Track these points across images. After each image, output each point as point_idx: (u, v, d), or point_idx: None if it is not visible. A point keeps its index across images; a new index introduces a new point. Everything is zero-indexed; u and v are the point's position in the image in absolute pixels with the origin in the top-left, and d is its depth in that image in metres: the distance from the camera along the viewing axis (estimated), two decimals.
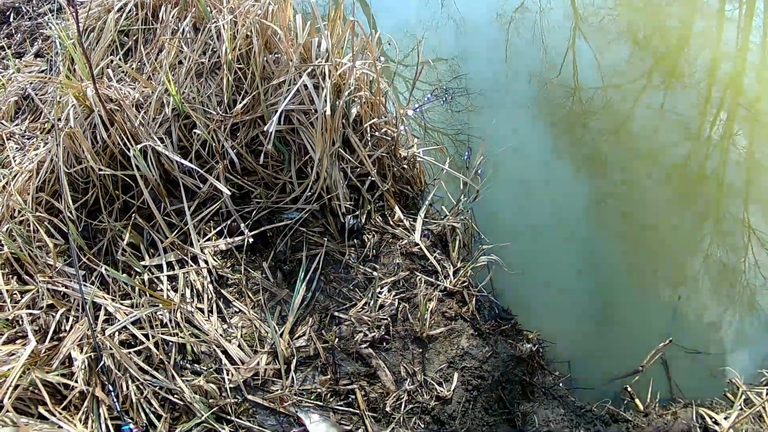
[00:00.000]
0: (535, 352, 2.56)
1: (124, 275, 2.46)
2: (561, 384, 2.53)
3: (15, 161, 2.97)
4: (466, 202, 2.66)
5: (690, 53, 3.78)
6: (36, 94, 3.05)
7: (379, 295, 2.45)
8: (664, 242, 2.99)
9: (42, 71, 3.18)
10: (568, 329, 2.73)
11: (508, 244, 2.59)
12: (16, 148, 3.04)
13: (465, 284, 2.57)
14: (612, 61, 3.63)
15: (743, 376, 2.51)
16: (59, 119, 2.76)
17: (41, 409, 2.31)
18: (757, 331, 2.73)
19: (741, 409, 2.40)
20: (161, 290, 2.48)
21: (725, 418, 2.35)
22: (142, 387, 2.35)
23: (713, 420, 2.36)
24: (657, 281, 2.89)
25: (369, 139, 2.55)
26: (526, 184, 2.99)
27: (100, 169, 2.60)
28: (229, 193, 2.40)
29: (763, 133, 3.43)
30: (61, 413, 2.25)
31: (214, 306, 2.46)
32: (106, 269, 2.43)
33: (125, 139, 2.56)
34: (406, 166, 2.66)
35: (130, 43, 2.89)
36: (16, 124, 3.12)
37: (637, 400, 2.48)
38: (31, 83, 3.11)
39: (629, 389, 2.50)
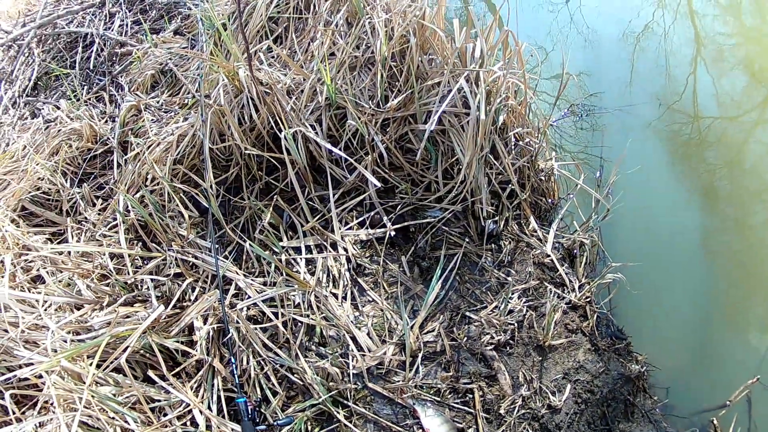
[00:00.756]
0: (641, 374, 2.61)
1: (267, 252, 2.54)
2: (658, 409, 2.58)
3: (151, 132, 3.07)
4: (596, 219, 2.71)
5: None
6: (178, 69, 3.16)
7: (510, 301, 2.51)
8: (765, 283, 3.02)
9: (183, 48, 3.29)
10: (671, 356, 2.78)
11: (637, 264, 2.63)
12: (152, 119, 3.15)
13: (588, 300, 2.62)
14: (729, 91, 3.67)
15: None
16: (207, 96, 2.85)
17: (150, 373, 2.40)
18: None
19: None
20: (298, 271, 2.57)
21: None
22: (263, 363, 2.43)
23: None
24: (753, 320, 2.93)
25: (513, 147, 2.61)
26: (645, 209, 3.04)
27: (246, 149, 2.69)
28: (378, 184, 2.48)
29: None
30: (171, 379, 2.33)
31: (349, 293, 2.54)
32: (250, 244, 2.51)
33: (275, 122, 2.65)
34: (543, 178, 2.72)
35: (280, 30, 2.98)
36: (153, 97, 3.24)
37: None
38: (171, 59, 3.22)
39: (715, 422, 2.55)
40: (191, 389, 2.42)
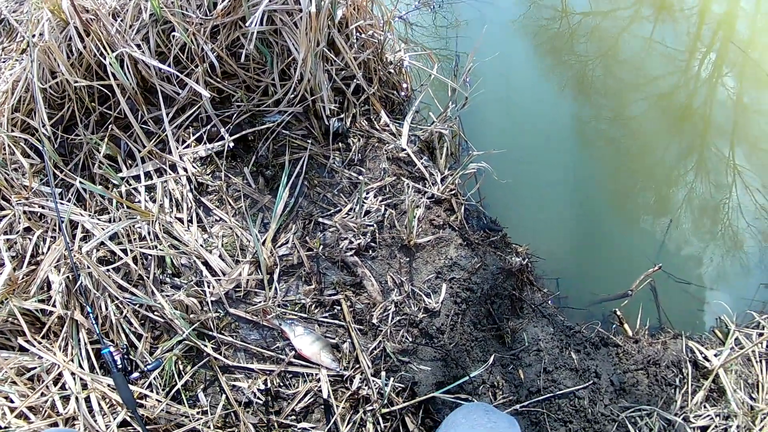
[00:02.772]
0: (524, 267, 2.47)
1: (100, 187, 2.36)
2: (550, 302, 2.46)
3: None
4: (454, 109, 2.58)
5: None
6: (12, 16, 2.97)
7: (365, 201, 2.37)
8: (649, 170, 2.95)
9: None
10: (556, 246, 2.67)
11: (502, 151, 2.50)
12: None
13: (453, 192, 2.49)
14: None
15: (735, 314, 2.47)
16: (34, 35, 2.67)
17: (21, 340, 2.23)
18: (740, 270, 2.67)
19: (732, 348, 2.34)
20: (139, 201, 2.40)
21: (715, 355, 2.29)
22: (121, 306, 2.27)
23: (703, 356, 2.30)
24: (642, 208, 2.85)
25: (355, 41, 2.47)
26: (511, 99, 2.94)
27: (76, 81, 2.50)
28: (209, 95, 2.31)
29: (753, 77, 3.35)
30: (40, 342, 2.18)
31: (194, 215, 2.38)
32: (81, 182, 2.34)
33: (101, 49, 2.47)
34: (392, 71, 2.58)
35: None
36: None
37: (626, 326, 2.43)
38: (6, 6, 3.02)
39: (618, 313, 2.44)
40: (60, 349, 2.24)
